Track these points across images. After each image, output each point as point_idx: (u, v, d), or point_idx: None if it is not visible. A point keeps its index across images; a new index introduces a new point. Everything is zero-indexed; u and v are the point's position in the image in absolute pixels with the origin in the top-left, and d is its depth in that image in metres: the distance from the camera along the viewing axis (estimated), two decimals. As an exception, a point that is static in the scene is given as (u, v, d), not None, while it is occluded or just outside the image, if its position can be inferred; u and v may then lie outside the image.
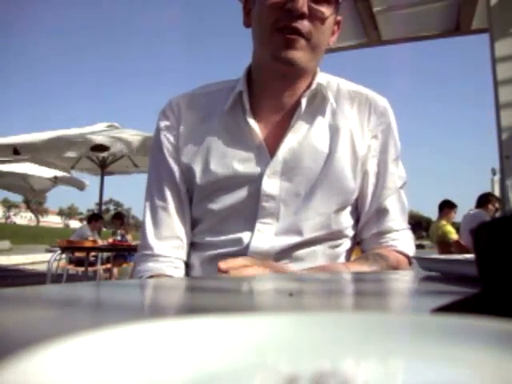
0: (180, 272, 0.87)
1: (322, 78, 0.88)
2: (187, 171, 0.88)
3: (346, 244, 0.91)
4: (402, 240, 0.90)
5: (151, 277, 0.84)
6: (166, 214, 0.88)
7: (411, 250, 0.90)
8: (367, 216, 0.90)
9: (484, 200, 4.99)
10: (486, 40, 2.59)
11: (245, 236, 0.83)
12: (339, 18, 0.88)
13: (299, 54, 0.79)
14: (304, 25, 0.77)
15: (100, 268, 5.92)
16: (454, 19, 3.47)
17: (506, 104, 2.42)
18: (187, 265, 0.91)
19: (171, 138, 0.89)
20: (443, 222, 5.30)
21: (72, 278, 5.67)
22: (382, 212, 0.90)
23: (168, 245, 0.87)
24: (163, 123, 0.91)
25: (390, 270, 0.81)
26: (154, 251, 0.87)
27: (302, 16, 0.76)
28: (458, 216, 5.58)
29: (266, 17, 0.79)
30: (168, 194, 0.89)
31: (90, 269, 5.73)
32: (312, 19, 0.78)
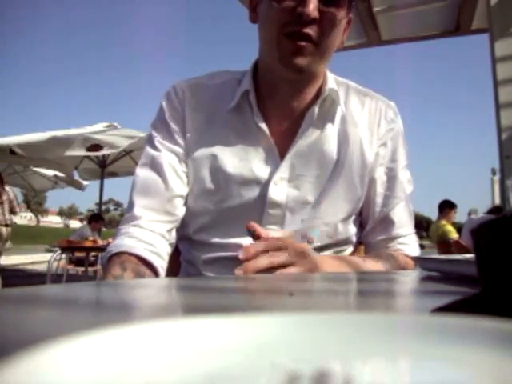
0: (157, 260, 0.77)
1: (331, 81, 0.85)
2: (192, 164, 0.84)
3: (349, 249, 0.90)
4: (409, 244, 0.90)
5: (116, 254, 0.76)
6: (159, 187, 0.81)
7: (417, 253, 0.90)
8: (373, 223, 0.89)
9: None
10: (486, 40, 2.59)
11: (247, 241, 0.80)
12: (351, 15, 0.84)
13: (308, 61, 0.76)
14: (314, 30, 0.74)
15: (100, 268, 5.91)
16: (454, 19, 3.47)
17: (506, 104, 2.42)
18: (189, 261, 0.89)
19: (177, 122, 0.85)
20: (443, 222, 5.30)
21: (72, 278, 5.67)
22: (389, 220, 0.88)
23: (156, 217, 0.80)
24: (168, 106, 0.86)
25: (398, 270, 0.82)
26: (139, 222, 0.79)
27: (312, 21, 0.72)
28: (459, 216, 5.59)
29: (275, 20, 0.75)
30: (165, 167, 0.82)
31: (90, 269, 5.73)
32: (323, 23, 0.74)
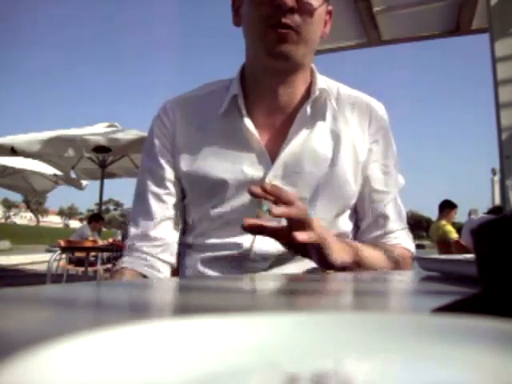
0: (152, 272, 0.85)
1: (322, 82, 0.88)
2: (186, 176, 0.87)
3: None
4: (403, 238, 0.91)
5: (120, 268, 0.85)
6: (144, 217, 0.88)
7: (412, 247, 0.92)
8: (368, 221, 0.91)
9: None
10: (486, 40, 2.59)
11: (246, 239, 0.83)
12: (330, 7, 0.88)
13: (293, 48, 0.79)
14: (294, 19, 0.77)
15: (100, 268, 5.92)
16: (454, 19, 3.47)
17: (506, 104, 2.42)
18: (187, 262, 0.91)
19: (165, 142, 0.89)
20: (443, 222, 5.30)
21: (72, 278, 5.67)
22: (385, 216, 0.90)
23: (146, 243, 0.86)
24: (157, 128, 0.90)
25: (395, 262, 0.83)
26: (135, 247, 0.87)
27: (291, 10, 0.76)
28: (459, 216, 5.59)
29: (256, 14, 0.79)
30: (149, 196, 0.88)
31: (90, 269, 5.74)
32: (301, 13, 0.78)
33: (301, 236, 0.65)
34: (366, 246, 0.84)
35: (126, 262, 0.86)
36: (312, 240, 0.67)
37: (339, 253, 0.72)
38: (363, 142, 0.88)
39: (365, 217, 0.91)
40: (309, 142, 0.85)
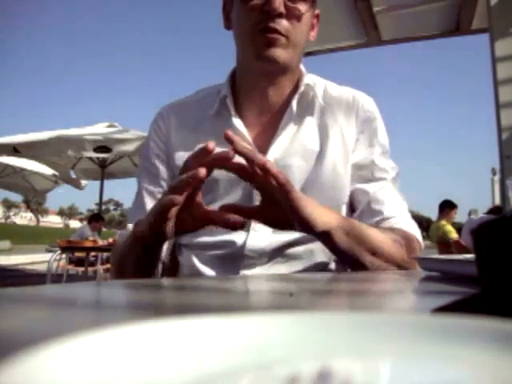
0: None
1: (308, 79, 0.91)
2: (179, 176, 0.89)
3: None
4: (406, 223, 0.87)
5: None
6: (142, 214, 0.90)
7: (417, 232, 0.87)
8: (361, 209, 0.89)
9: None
10: (486, 40, 2.59)
11: (239, 237, 0.84)
12: (317, 11, 0.91)
13: (281, 52, 0.81)
14: (282, 24, 0.80)
15: (100, 268, 5.92)
16: (454, 19, 3.47)
17: (506, 104, 2.42)
18: (185, 262, 0.91)
19: (160, 145, 0.92)
20: (443, 222, 5.30)
21: (72, 278, 5.67)
22: (377, 201, 0.87)
23: None
24: (153, 131, 0.94)
25: (397, 242, 0.78)
26: None
27: (279, 15, 0.79)
28: (459, 216, 5.59)
29: (246, 19, 0.82)
30: (145, 195, 0.91)
31: (90, 269, 5.74)
32: (289, 18, 0.80)
33: (264, 158, 0.65)
34: (362, 223, 0.81)
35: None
36: (280, 175, 0.64)
37: (319, 213, 0.69)
38: (351, 132, 0.89)
39: (357, 206, 0.89)
40: (297, 136, 0.87)
